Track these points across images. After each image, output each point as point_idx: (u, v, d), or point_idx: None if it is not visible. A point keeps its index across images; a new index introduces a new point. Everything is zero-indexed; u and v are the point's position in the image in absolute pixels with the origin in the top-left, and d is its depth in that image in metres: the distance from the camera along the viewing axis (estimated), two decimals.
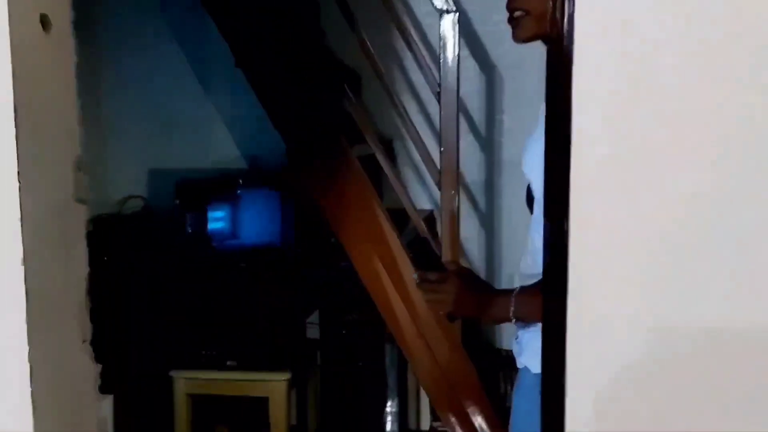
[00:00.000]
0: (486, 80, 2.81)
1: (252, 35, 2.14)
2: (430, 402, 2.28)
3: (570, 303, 0.80)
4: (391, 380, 2.58)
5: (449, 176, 2.05)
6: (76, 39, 0.87)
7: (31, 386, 0.80)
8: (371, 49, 2.15)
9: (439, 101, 2.05)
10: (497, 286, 1.40)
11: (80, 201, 0.92)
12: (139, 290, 2.73)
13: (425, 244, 2.20)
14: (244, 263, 2.70)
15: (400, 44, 2.70)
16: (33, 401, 0.81)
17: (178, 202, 2.78)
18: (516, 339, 1.31)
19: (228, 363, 2.53)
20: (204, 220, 2.77)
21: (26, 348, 0.82)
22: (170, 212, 2.84)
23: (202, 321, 2.61)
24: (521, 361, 1.29)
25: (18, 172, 0.80)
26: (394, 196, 2.48)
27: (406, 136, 2.81)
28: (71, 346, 0.91)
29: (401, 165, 2.91)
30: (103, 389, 2.76)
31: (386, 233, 2.21)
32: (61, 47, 0.85)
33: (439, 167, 2.09)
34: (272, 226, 2.77)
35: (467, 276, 1.31)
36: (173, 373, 2.52)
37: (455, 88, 2.03)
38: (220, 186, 2.81)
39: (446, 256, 2.05)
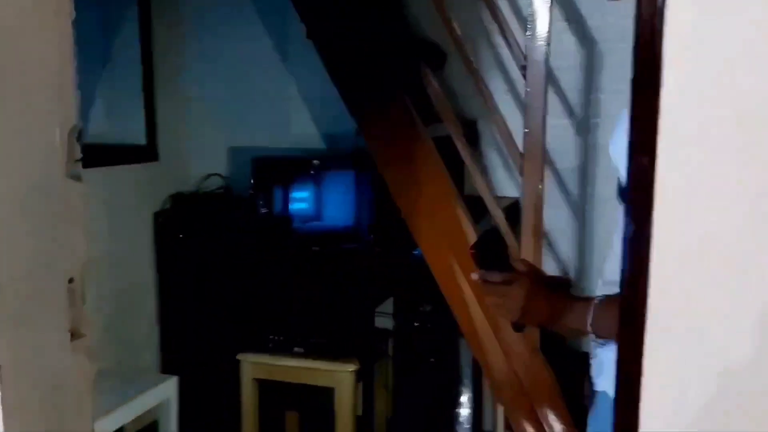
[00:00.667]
0: (585, 54, 2.55)
1: (322, 2, 2.00)
2: (503, 407, 2.09)
3: (649, 325, 0.63)
4: (466, 378, 2.40)
5: (533, 161, 1.84)
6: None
7: None
8: (452, 20, 1.95)
9: (524, 77, 1.83)
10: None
11: (74, 177, 0.81)
12: (212, 269, 2.68)
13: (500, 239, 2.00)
14: (317, 246, 2.59)
15: (488, 16, 2.49)
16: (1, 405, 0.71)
17: (252, 181, 2.71)
18: (593, 357, 1.10)
19: (295, 350, 2.44)
20: (277, 200, 2.68)
21: None
22: (247, 191, 2.77)
23: (271, 304, 2.53)
24: (598, 384, 1.09)
25: None
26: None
27: (492, 116, 2.61)
28: (54, 342, 0.79)
29: (486, 147, 2.70)
30: (168, 370, 2.75)
31: (462, 223, 2.02)
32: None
33: (522, 151, 1.88)
34: (348, 209, 2.65)
35: (538, 278, 1.11)
36: (240, 357, 2.46)
37: (543, 61, 1.80)
38: (295, 166, 2.71)
39: (525, 252, 1.85)
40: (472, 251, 1.10)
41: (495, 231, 1.86)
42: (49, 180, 0.78)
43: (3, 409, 0.72)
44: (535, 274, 1.12)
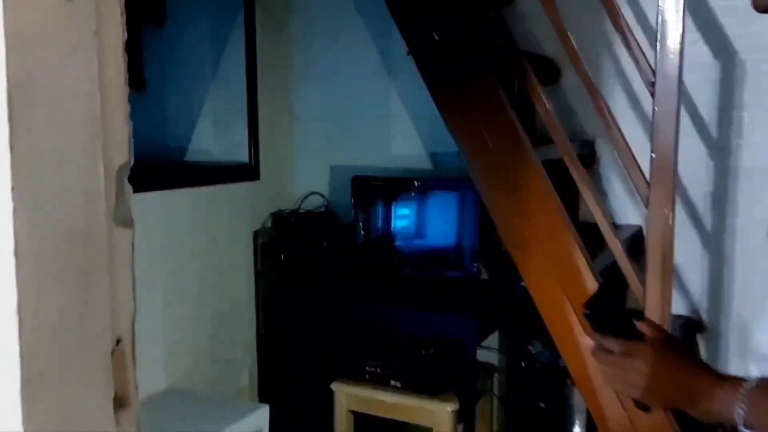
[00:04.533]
0: (721, 68, 2.26)
1: (422, 14, 1.86)
2: None
3: None
4: (579, 429, 2.16)
5: (662, 187, 1.60)
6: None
7: None
8: (568, 30, 1.76)
9: (652, 94, 1.61)
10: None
11: (123, 223, 0.70)
12: (310, 291, 2.60)
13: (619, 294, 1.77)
14: (418, 272, 2.45)
15: (610, 27, 2.27)
16: None
17: (353, 201, 2.60)
18: None
19: (392, 383, 2.29)
20: (377, 222, 2.57)
21: (20, 417, 0.61)
22: (348, 211, 2.68)
23: (368, 331, 2.40)
24: None
25: (12, 187, 0.58)
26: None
27: (611, 136, 2.38)
28: (94, 412, 0.69)
29: (605, 170, 2.46)
30: (263, 394, 2.67)
31: (574, 255, 1.81)
32: (84, 16, 0.63)
33: (648, 176, 1.65)
34: (452, 234, 2.48)
35: (668, 347, 0.90)
36: (335, 387, 2.35)
37: (675, 76, 1.57)
38: (396, 186, 2.58)
39: (651, 291, 1.61)
40: (585, 312, 0.91)
41: (612, 285, 1.63)
42: (90, 226, 0.67)
43: None
44: (664, 342, 0.91)
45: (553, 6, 1.71)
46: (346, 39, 2.85)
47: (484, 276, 2.44)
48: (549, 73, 2.38)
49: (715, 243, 2.31)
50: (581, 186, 1.78)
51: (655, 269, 1.61)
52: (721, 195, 2.28)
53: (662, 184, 1.60)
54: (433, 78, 1.89)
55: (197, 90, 2.97)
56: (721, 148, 2.28)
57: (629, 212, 2.41)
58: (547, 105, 1.76)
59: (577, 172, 1.77)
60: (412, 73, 2.66)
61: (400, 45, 2.74)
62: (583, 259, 1.81)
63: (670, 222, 1.61)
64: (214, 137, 2.95)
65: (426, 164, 2.77)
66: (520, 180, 1.76)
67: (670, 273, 1.63)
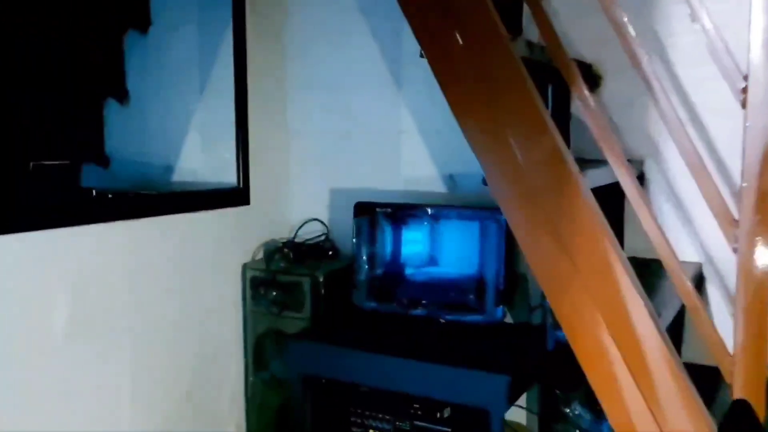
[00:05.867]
0: None
1: (438, 13, 1.49)
2: None
3: None
4: None
5: (757, 223, 1.23)
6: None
7: None
8: (622, 28, 1.40)
9: (743, 104, 1.24)
10: None
11: None
12: (305, 334, 2.22)
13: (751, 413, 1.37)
14: (431, 315, 2.07)
15: (663, 26, 1.91)
16: None
17: (355, 230, 2.24)
18: None
19: None
20: (382, 255, 2.20)
21: None
22: (351, 241, 2.31)
23: (373, 380, 2.02)
24: None
25: None
26: (638, 239, 1.73)
27: (666, 157, 2.01)
28: None
29: (655, 196, 2.09)
30: None
31: (630, 303, 1.43)
32: None
33: (735, 209, 1.27)
34: (471, 270, 2.11)
35: None
36: None
37: None
38: (406, 213, 2.21)
39: (740, 362, 1.23)
40: None
41: (746, 402, 1.25)
42: None
43: None
44: None
45: None
46: (349, 44, 2.50)
47: (511, 321, 2.06)
48: (587, 81, 2.02)
49: None
50: (644, 216, 1.40)
51: (749, 326, 1.23)
52: None
53: (757, 215, 1.23)
54: (451, 83, 1.52)
55: (185, 102, 2.63)
56: None
57: (684, 246, 2.04)
58: (600, 117, 1.39)
59: (639, 200, 1.40)
60: (423, 83, 2.32)
61: (409, 51, 2.41)
62: (642, 307, 1.43)
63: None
64: (203, 155, 2.61)
65: (440, 187, 2.40)
66: (562, 210, 1.39)
67: (764, 335, 1.25)
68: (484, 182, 1.42)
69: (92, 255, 1.88)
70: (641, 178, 2.07)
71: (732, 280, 1.53)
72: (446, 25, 1.43)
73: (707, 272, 2.04)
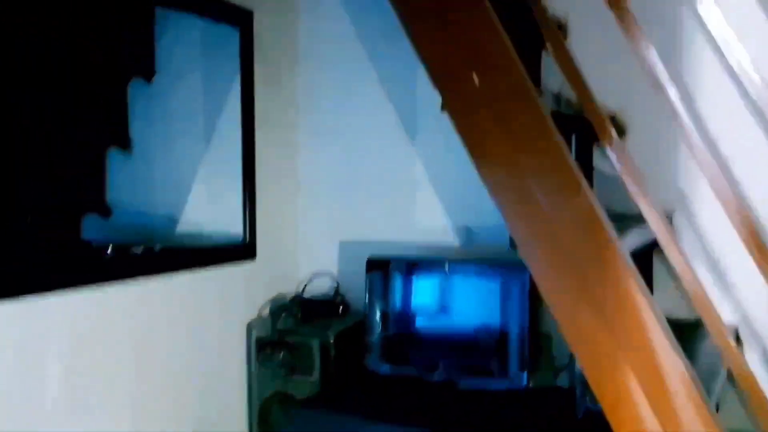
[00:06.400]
0: None
1: (459, 68, 1.39)
2: None
3: None
4: None
5: None
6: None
7: None
8: (654, 72, 1.29)
9: None
10: None
11: None
12: (314, 401, 2.08)
13: None
14: (452, 380, 1.94)
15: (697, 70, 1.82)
16: None
17: (367, 287, 2.11)
18: None
19: None
20: (396, 313, 2.07)
21: None
22: (363, 298, 2.19)
23: None
24: None
25: None
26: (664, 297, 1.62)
27: (694, 210, 1.90)
28: None
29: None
30: None
31: (675, 377, 1.30)
32: None
33: None
34: (492, 332, 1.98)
35: None
36: None
37: None
38: (421, 269, 2.10)
39: None
40: None
41: None
42: None
43: None
44: None
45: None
46: (361, 91, 2.41)
47: (537, 387, 1.92)
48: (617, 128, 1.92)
49: None
50: (687, 280, 1.28)
51: None
52: None
53: None
54: (473, 140, 1.42)
55: (190, 151, 2.54)
56: None
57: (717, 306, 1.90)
58: (635, 170, 1.28)
59: (680, 259, 1.28)
60: (438, 132, 2.22)
61: (423, 98, 2.32)
62: (680, 363, 1.29)
63: None
64: (209, 206, 2.51)
65: (455, 240, 2.29)
66: (603, 281, 1.26)
67: None
68: (512, 245, 1.30)
69: (90, 318, 1.77)
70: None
71: None
72: (468, 76, 1.33)
73: (743, 333, 1.91)
